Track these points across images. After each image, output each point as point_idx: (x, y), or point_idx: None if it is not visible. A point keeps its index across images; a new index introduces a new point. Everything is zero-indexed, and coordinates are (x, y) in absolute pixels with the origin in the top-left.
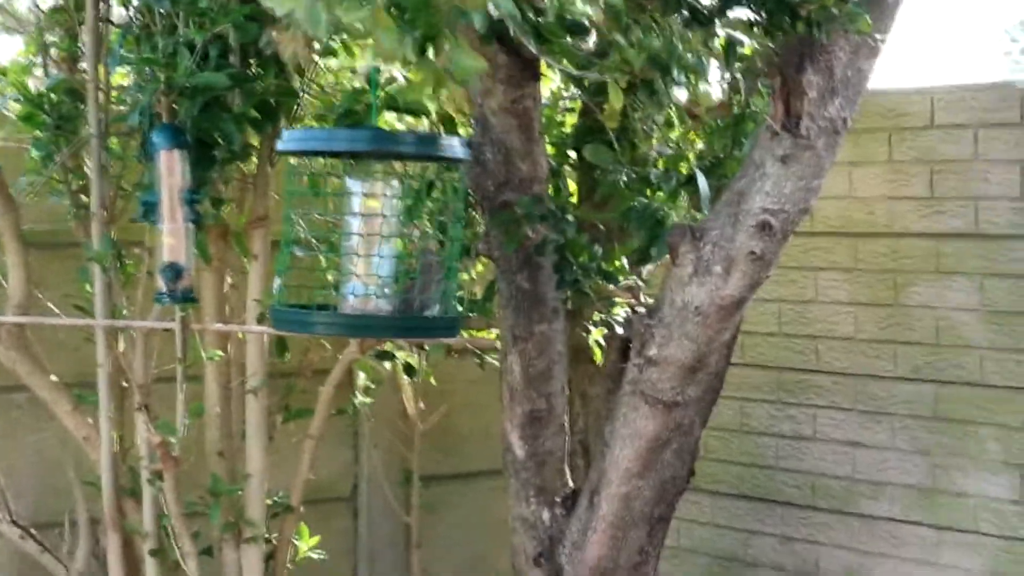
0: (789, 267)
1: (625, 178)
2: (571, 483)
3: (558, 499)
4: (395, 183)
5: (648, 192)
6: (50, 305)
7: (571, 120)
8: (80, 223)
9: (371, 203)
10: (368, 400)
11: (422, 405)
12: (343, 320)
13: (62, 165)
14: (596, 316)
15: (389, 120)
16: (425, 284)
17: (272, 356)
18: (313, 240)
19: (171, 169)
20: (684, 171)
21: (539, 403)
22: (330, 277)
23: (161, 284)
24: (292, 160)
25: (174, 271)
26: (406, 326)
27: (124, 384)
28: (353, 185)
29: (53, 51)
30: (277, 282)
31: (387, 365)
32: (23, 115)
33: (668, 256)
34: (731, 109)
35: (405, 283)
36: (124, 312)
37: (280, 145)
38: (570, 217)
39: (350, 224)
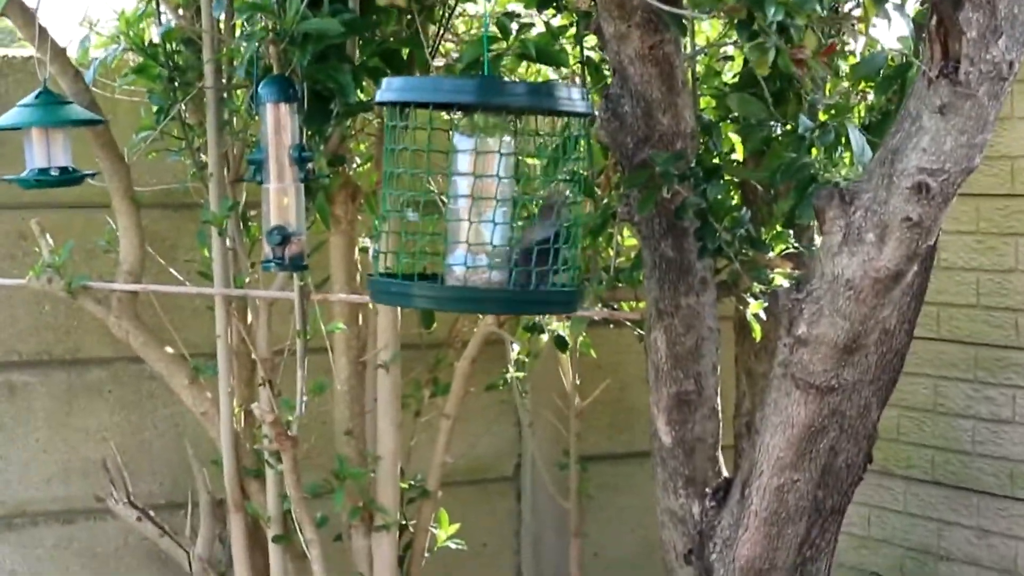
0: (988, 232)
1: (779, 132)
2: (725, 472)
3: (709, 491)
4: (508, 139)
5: (803, 149)
6: (172, 272)
7: (736, 67)
8: (201, 183)
9: (483, 162)
10: (520, 374)
11: (577, 380)
12: (447, 293)
13: (180, 120)
14: (756, 287)
15: (522, 72)
16: (542, 254)
17: (417, 326)
18: (418, 203)
19: (278, 124)
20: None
21: (687, 384)
22: (435, 245)
23: (267, 249)
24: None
25: (281, 235)
26: (518, 300)
27: (252, 357)
28: (461, 141)
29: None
30: (373, 249)
31: (543, 337)
32: (136, 67)
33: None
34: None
35: (519, 252)
36: (246, 280)
37: (378, 95)
38: (719, 179)
39: (457, 186)
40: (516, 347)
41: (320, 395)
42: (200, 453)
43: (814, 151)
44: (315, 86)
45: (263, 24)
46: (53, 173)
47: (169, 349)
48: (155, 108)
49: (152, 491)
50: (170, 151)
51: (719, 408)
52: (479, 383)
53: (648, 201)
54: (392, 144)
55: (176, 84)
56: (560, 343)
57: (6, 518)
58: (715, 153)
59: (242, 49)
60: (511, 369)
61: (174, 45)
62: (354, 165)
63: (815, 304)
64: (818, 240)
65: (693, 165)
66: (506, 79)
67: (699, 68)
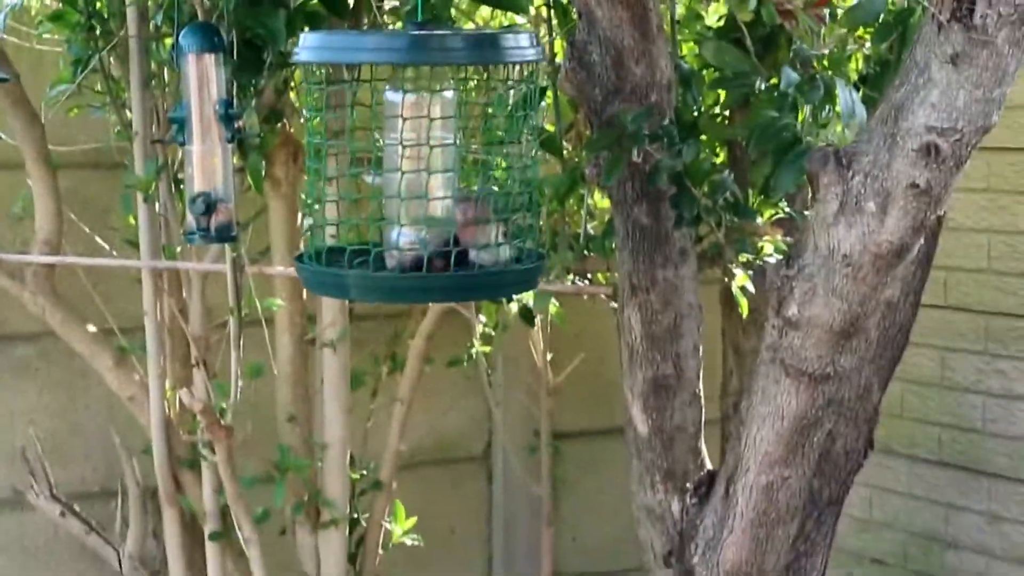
0: (1001, 190)
1: (761, 87)
2: (708, 464)
3: (690, 486)
4: (448, 94)
5: (786, 107)
6: (99, 240)
7: (721, 9)
8: (128, 143)
9: (416, 123)
10: (486, 349)
11: (549, 355)
12: (383, 282)
13: (104, 73)
14: (743, 258)
15: (483, 17)
16: (489, 228)
17: None
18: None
19: (201, 77)
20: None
21: (665, 367)
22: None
23: (190, 219)
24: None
25: (205, 202)
26: (467, 285)
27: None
28: (393, 98)
29: None
30: (305, 225)
31: (512, 307)
32: (52, 14)
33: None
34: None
35: (464, 228)
36: (178, 250)
37: (295, 54)
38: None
39: (391, 154)
40: (482, 318)
41: (257, 378)
42: (132, 439)
43: (800, 110)
44: (245, 34)
45: None
46: None
47: (91, 327)
48: (72, 60)
49: (85, 477)
50: (92, 107)
51: (701, 393)
52: (443, 356)
53: (616, 164)
54: (311, 108)
55: (98, 33)
56: (526, 316)
57: None
58: (694, 108)
59: None
60: (476, 343)
61: None
62: (301, 120)
63: (807, 282)
64: (812, 207)
65: (667, 122)
66: (440, 31)
67: (679, 9)
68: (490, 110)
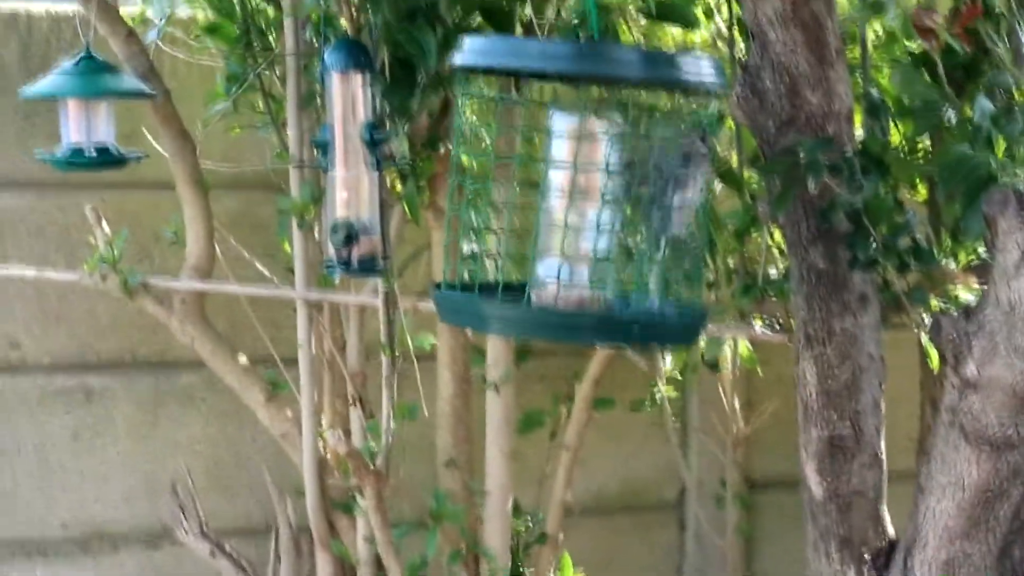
0: None
1: (953, 118)
2: (891, 531)
3: (868, 556)
4: (619, 120)
5: (980, 141)
6: (259, 267)
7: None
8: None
9: (587, 148)
10: (672, 393)
11: (736, 402)
12: (530, 316)
13: (263, 91)
14: (935, 305)
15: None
16: (651, 269)
17: None
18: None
19: (346, 97)
20: None
21: (842, 426)
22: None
23: (331, 250)
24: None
25: (346, 232)
26: (621, 327)
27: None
28: (559, 120)
29: None
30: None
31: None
32: (208, 25)
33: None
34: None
35: (629, 266)
36: (336, 280)
37: (454, 58)
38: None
39: (551, 179)
40: (668, 358)
41: (411, 419)
42: (295, 476)
43: (996, 144)
44: (397, 52)
45: None
46: (89, 154)
47: (243, 359)
48: (226, 76)
49: (250, 512)
50: (254, 127)
51: (883, 454)
52: (628, 397)
53: (786, 197)
54: (464, 121)
55: (256, 48)
56: (711, 363)
57: (82, 540)
58: (877, 141)
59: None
60: (660, 385)
61: (255, 2)
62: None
63: (987, 339)
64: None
65: (848, 154)
66: (614, 44)
67: (876, 30)
68: (663, 139)
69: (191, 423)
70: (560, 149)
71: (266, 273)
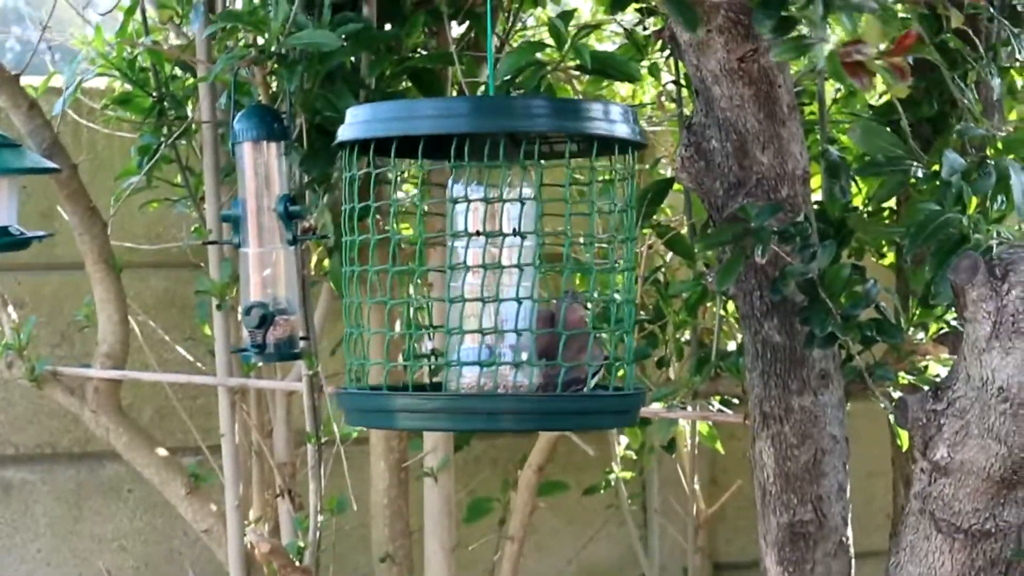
0: None
1: (919, 175)
2: None
3: None
4: (527, 182)
5: (950, 199)
6: (181, 351)
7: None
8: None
9: (498, 214)
10: (626, 475)
11: (697, 483)
12: (442, 404)
13: (179, 163)
14: (903, 379)
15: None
16: (581, 343)
17: None
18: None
19: (258, 168)
20: None
21: (803, 512)
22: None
23: (245, 333)
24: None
25: (260, 314)
26: (544, 410)
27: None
28: (459, 189)
29: (151, 10)
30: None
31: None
32: (119, 96)
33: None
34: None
35: (544, 342)
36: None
37: (339, 132)
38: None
39: (457, 252)
40: (623, 440)
41: (340, 514)
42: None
43: (971, 202)
44: (315, 119)
45: (244, 40)
46: None
47: (161, 451)
48: (139, 148)
49: None
50: (169, 200)
51: (849, 541)
52: (582, 482)
53: (733, 266)
54: (353, 202)
55: (172, 117)
56: (664, 445)
57: None
58: (842, 203)
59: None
60: (615, 469)
61: (169, 70)
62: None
63: (958, 419)
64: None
65: (800, 219)
66: (515, 96)
67: (829, 87)
68: (576, 200)
69: (117, 517)
70: (468, 219)
71: (190, 358)
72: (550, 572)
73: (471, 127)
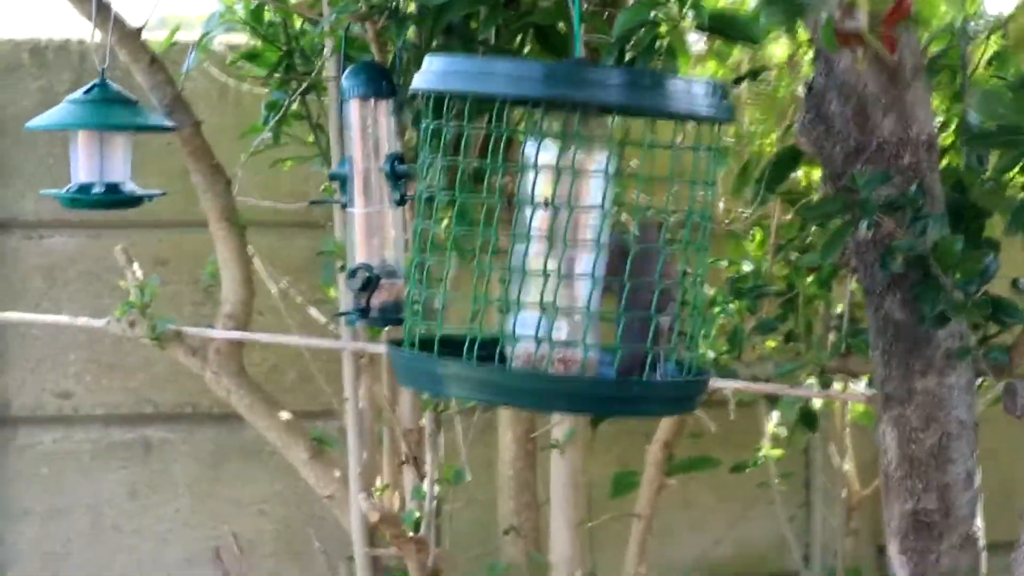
0: None
1: None
2: None
3: None
4: (606, 152)
5: None
6: (314, 313)
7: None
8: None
9: (575, 185)
10: (776, 452)
11: (846, 465)
12: (501, 378)
13: (309, 121)
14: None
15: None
16: (657, 326)
17: None
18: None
19: (365, 126)
20: None
21: (927, 500)
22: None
23: (348, 296)
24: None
25: (365, 277)
26: (600, 395)
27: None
28: (532, 152)
29: None
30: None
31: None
32: (246, 52)
33: None
34: None
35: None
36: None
37: (414, 82)
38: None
39: (525, 219)
40: (775, 415)
41: (456, 484)
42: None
43: None
44: None
45: None
46: (97, 191)
47: (284, 414)
48: (266, 104)
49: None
50: (302, 159)
51: (980, 535)
52: (731, 456)
53: (837, 239)
54: (430, 155)
55: (301, 72)
56: (807, 420)
57: None
58: (980, 173)
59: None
60: (764, 446)
61: (299, 24)
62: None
63: None
64: None
65: (914, 188)
66: (595, 65)
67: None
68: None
69: (257, 480)
70: (540, 184)
71: (322, 320)
72: (694, 552)
73: (542, 92)
